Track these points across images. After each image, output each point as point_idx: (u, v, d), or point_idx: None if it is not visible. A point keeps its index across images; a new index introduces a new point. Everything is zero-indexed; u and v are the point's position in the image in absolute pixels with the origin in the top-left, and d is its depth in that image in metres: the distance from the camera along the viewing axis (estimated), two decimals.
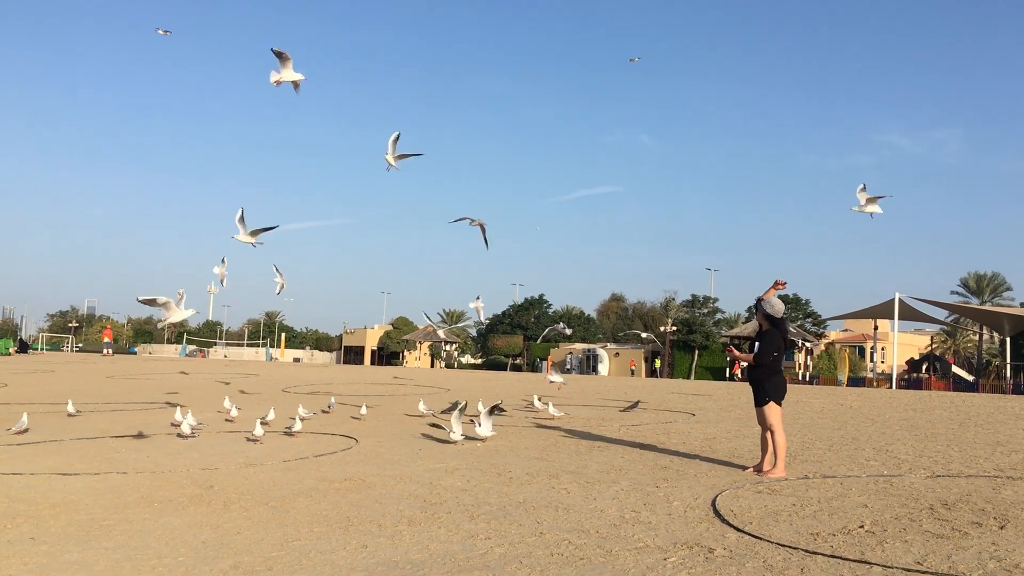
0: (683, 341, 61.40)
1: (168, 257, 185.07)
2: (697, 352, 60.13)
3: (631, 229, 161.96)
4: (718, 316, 67.79)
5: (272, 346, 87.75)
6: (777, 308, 8.55)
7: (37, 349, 69.68)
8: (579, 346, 69.22)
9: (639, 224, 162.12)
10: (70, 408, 13.40)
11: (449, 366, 71.67)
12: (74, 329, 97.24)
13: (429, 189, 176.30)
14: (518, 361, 72.82)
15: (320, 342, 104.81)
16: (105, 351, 62.83)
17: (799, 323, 61.93)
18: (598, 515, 6.31)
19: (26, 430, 10.81)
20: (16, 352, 52.30)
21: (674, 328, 62.64)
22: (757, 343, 8.56)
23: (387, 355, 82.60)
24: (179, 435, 11.08)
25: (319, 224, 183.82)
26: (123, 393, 19.04)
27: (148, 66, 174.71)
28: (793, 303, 63.67)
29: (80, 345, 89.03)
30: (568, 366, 65.18)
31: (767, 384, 8.36)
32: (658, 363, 62.06)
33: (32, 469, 8.38)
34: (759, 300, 8.72)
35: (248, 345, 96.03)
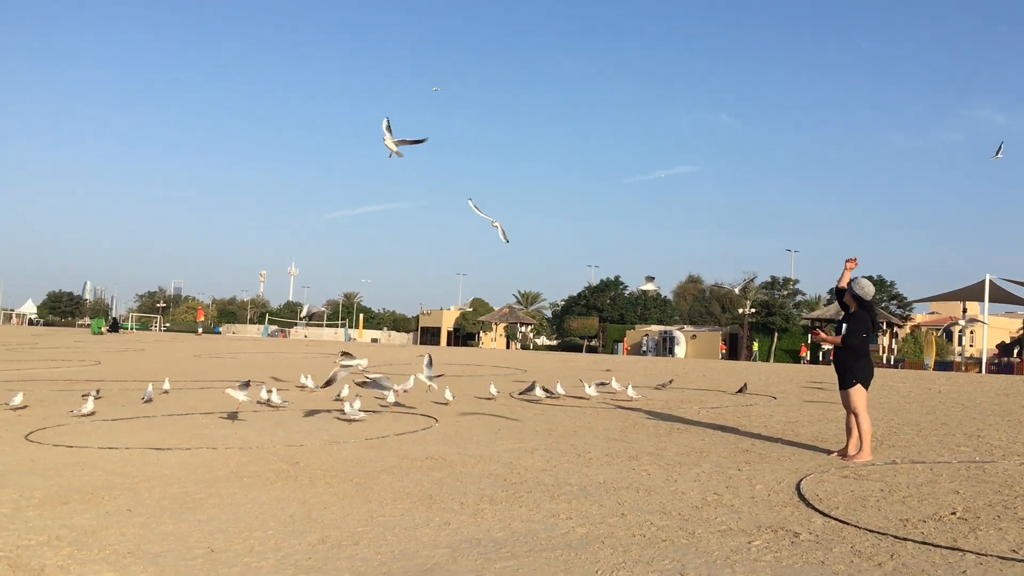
0: (762, 324, 60.39)
1: (249, 239, 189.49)
2: (777, 335, 59.09)
3: (709, 209, 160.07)
4: (798, 298, 66.43)
5: (351, 327, 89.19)
6: (867, 290, 8.35)
7: (127, 329, 72.12)
8: (655, 328, 68.64)
9: (717, 204, 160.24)
10: (165, 385, 13.86)
11: (524, 348, 71.87)
12: (162, 309, 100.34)
13: (505, 170, 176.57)
14: (594, 343, 72.63)
15: (397, 323, 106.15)
16: (199, 331, 64.82)
17: (883, 305, 60.34)
18: (680, 497, 6.27)
19: (93, 412, 11.31)
20: (108, 331, 54.22)
21: (753, 310, 61.64)
22: (844, 324, 8.36)
23: (463, 336, 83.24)
24: (269, 404, 11.89)
25: (396, 206, 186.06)
26: (210, 372, 19.61)
27: (235, 57, 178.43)
28: (877, 285, 62.03)
29: (167, 324, 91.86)
30: (644, 348, 64.75)
31: (854, 367, 8.17)
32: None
33: (127, 444, 8.70)
34: (838, 289, 8.54)
35: (327, 326, 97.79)
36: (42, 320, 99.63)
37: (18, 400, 11.46)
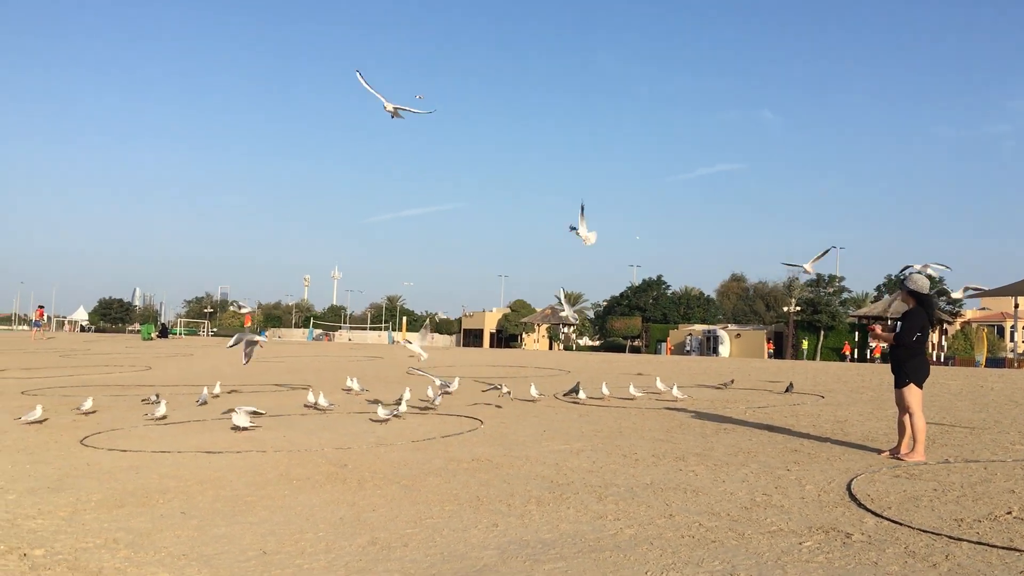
0: (807, 322, 59.65)
1: (293, 244, 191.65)
2: (822, 333, 58.33)
3: (752, 207, 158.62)
4: (845, 295, 65.48)
5: (394, 329, 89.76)
6: (922, 285, 8.24)
7: (176, 334, 73.32)
8: (699, 327, 68.12)
9: (760, 202, 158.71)
10: (216, 389, 14.07)
11: (567, 348, 71.77)
12: (209, 315, 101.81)
13: (545, 171, 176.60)
14: (637, 343, 72.28)
15: (440, 325, 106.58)
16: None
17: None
18: (728, 498, 6.22)
19: (164, 415, 11.53)
20: (158, 337, 55.15)
21: (798, 308, 60.91)
22: (899, 322, 8.24)
23: (505, 338, 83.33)
24: (316, 407, 12.06)
25: (438, 209, 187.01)
26: (257, 375, 19.84)
27: (276, 61, 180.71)
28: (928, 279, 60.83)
29: (215, 330, 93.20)
30: (688, 348, 64.29)
31: (908, 365, 8.05)
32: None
33: (179, 447, 8.85)
34: (902, 280, 8.44)
35: (371, 329, 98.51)
36: (93, 327, 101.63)
37: (88, 405, 11.72)
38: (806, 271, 11.11)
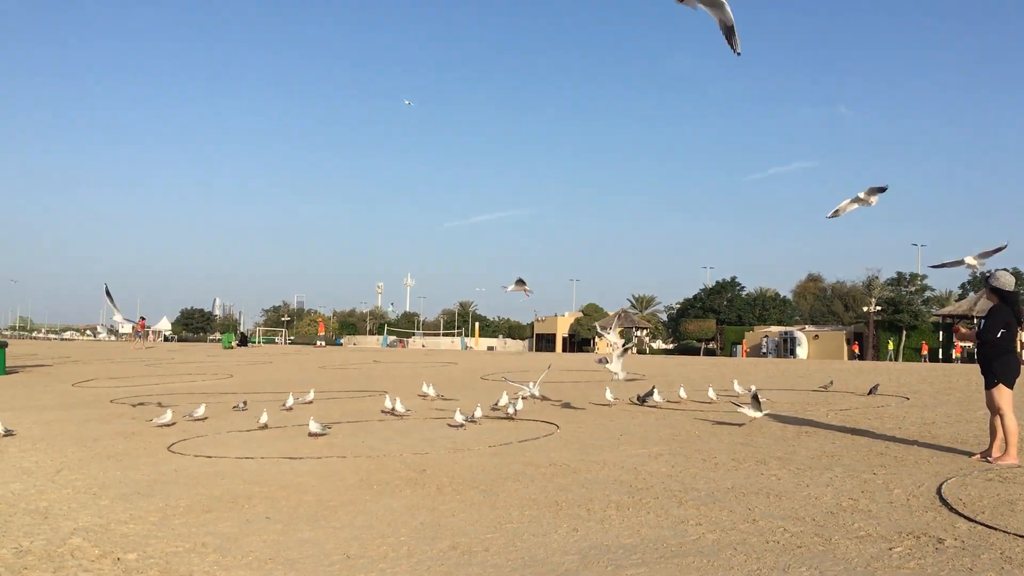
0: (888, 321, 58.13)
1: (366, 252, 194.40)
2: (904, 332, 56.77)
3: (829, 205, 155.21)
4: (927, 294, 63.66)
5: (467, 335, 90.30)
6: (1006, 282, 7.96)
7: (255, 343, 74.94)
8: (775, 329, 66.92)
9: (837, 199, 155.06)
10: (309, 396, 14.30)
11: (640, 352, 71.28)
12: (286, 323, 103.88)
13: (616, 174, 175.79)
14: (711, 345, 71.38)
15: (512, 330, 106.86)
16: (318, 343, 67.06)
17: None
18: (813, 502, 6.09)
19: (205, 418, 11.82)
20: (237, 346, 56.44)
21: (878, 308, 59.41)
22: (983, 320, 7.98)
23: (578, 342, 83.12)
24: (394, 413, 12.18)
25: (509, 215, 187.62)
26: (334, 382, 20.16)
27: (351, 74, 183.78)
28: (1015, 276, 58.81)
29: (292, 338, 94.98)
30: (764, 350, 63.20)
31: (996, 365, 7.78)
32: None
33: (262, 453, 9.03)
34: (987, 278, 8.16)
35: (444, 335, 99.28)
36: (176, 336, 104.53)
37: (200, 412, 12.05)
38: (970, 265, 10.50)
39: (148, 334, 64.66)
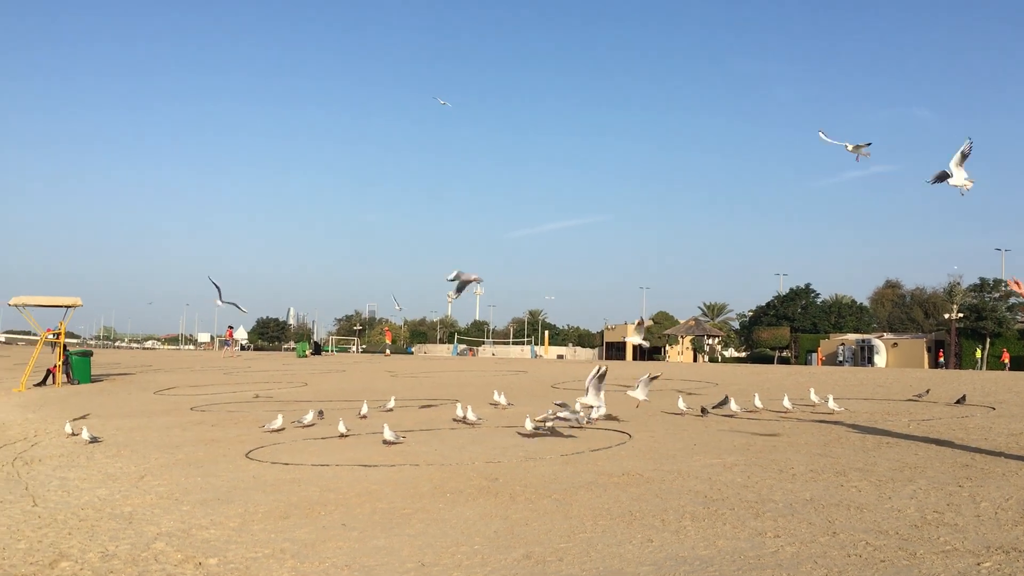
0: (971, 329, 56.30)
1: (436, 261, 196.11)
2: (989, 340, 54.92)
3: (907, 210, 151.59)
4: (1012, 300, 61.43)
5: (536, 344, 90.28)
6: None
7: (328, 351, 76.09)
8: (852, 337, 65.36)
9: (917, 204, 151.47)
10: (390, 404, 14.48)
11: (712, 360, 70.34)
12: (358, 332, 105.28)
13: (686, 179, 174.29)
14: (785, 354, 70.07)
15: (582, 338, 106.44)
16: (385, 351, 67.87)
17: None
18: (895, 515, 5.92)
19: (312, 424, 11.96)
20: (311, 354, 57.36)
21: (960, 315, 57.57)
22: None
23: (648, 350, 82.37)
24: (465, 421, 12.28)
25: (579, 223, 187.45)
26: (406, 390, 20.34)
27: (418, 86, 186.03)
28: None
29: (364, 346, 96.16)
30: (840, 358, 61.79)
31: None
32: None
33: (337, 461, 9.16)
34: None
35: (514, 343, 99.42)
36: (252, 345, 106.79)
37: (309, 418, 12.29)
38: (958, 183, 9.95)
39: (235, 343, 66.36)
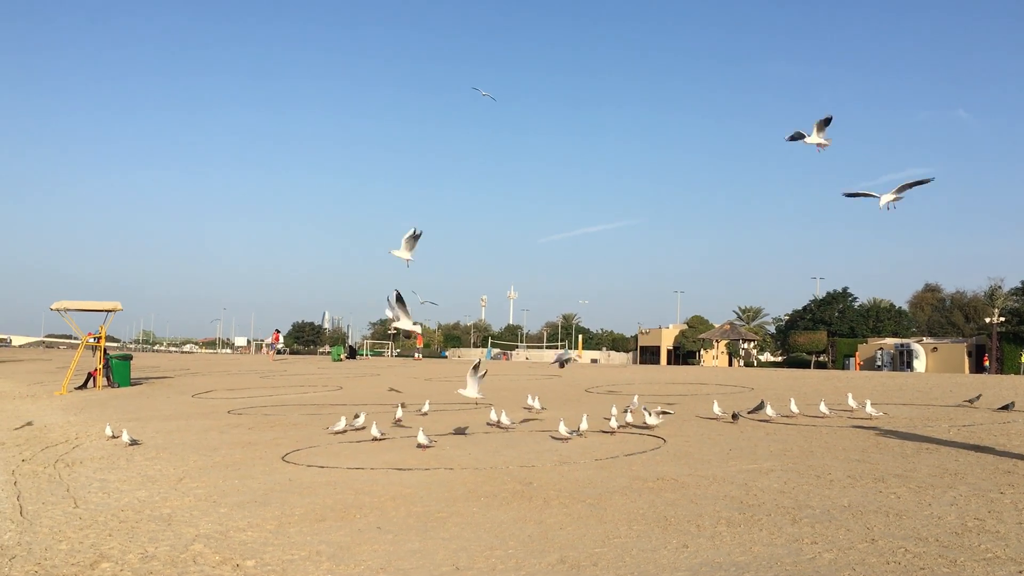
0: (1013, 333, 55.33)
1: (470, 265, 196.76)
2: None
3: (948, 213, 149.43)
4: None
5: (570, 348, 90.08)
6: None
7: (363, 355, 76.52)
8: (890, 341, 64.51)
9: (957, 207, 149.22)
10: (425, 408, 14.53)
11: (748, 365, 69.76)
12: (392, 336, 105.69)
13: (721, 183, 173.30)
14: (822, 358, 69.31)
15: (616, 343, 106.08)
16: (416, 355, 68.23)
17: None
18: (935, 522, 5.83)
19: (344, 431, 11.97)
20: (346, 358, 57.70)
21: (1001, 319, 56.59)
22: None
23: (683, 354, 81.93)
24: (499, 425, 12.25)
25: (612, 226, 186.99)
26: (440, 394, 20.40)
27: (455, 88, 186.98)
28: None
29: (398, 351, 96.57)
30: (879, 363, 60.99)
31: None
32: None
33: (372, 464, 9.21)
34: None
35: (547, 347, 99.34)
36: (288, 349, 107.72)
37: (360, 421, 12.31)
38: (887, 201, 10.04)
39: (281, 346, 67.17)
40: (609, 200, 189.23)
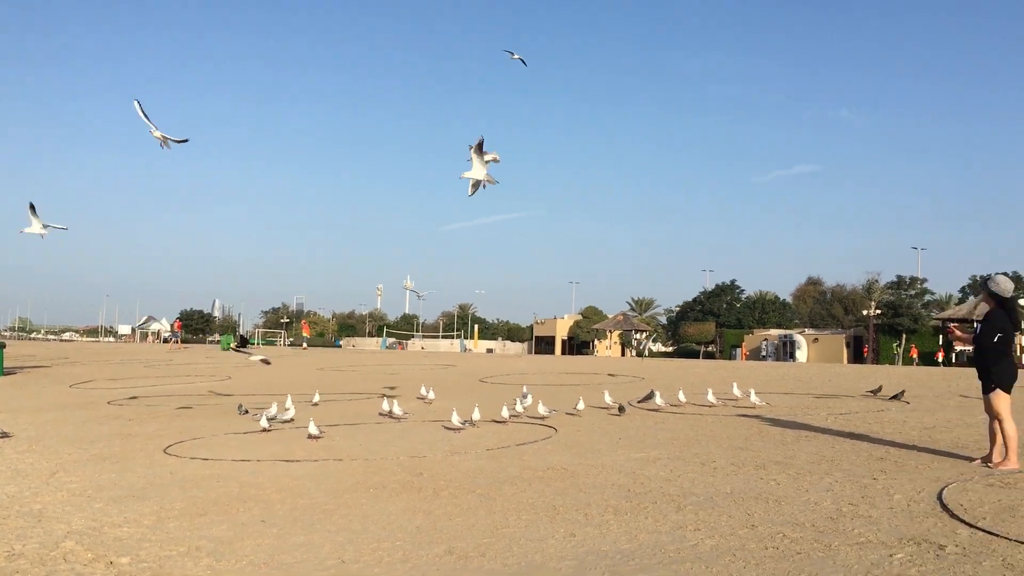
0: (888, 325, 58.10)
1: (366, 253, 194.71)
2: (904, 336, 56.73)
3: (830, 209, 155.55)
4: (927, 298, 63.63)
5: (466, 337, 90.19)
6: (1004, 287, 7.93)
7: (254, 344, 74.84)
8: (774, 332, 66.88)
9: (838, 204, 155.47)
10: (316, 398, 14.28)
11: (640, 355, 71.20)
12: (286, 325, 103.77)
13: (617, 175, 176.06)
14: (710, 348, 71.33)
15: (512, 333, 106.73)
16: (303, 345, 67.41)
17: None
18: (812, 508, 6.04)
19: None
20: (237, 348, 56.34)
21: (878, 312, 59.37)
22: (979, 324, 7.95)
23: (577, 344, 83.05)
24: (391, 416, 12.16)
25: (511, 217, 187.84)
26: (334, 384, 20.10)
27: (348, 73, 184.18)
28: (1014, 281, 58.73)
29: (291, 340, 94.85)
30: (764, 353, 63.16)
31: (994, 370, 7.73)
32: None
33: (258, 456, 8.98)
34: (984, 282, 8.14)
35: (443, 337, 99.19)
36: (172, 336, 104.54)
37: (289, 415, 11.83)
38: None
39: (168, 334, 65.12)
40: (509, 190, 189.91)
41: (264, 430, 10.78)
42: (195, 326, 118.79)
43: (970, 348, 8.49)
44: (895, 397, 14.40)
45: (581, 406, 12.67)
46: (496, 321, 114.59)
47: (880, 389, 15.76)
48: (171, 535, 5.77)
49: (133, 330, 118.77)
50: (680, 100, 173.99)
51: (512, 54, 16.38)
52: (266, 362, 11.70)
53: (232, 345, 55.45)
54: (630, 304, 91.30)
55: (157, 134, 11.74)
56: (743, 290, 78.56)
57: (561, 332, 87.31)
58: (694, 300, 78.40)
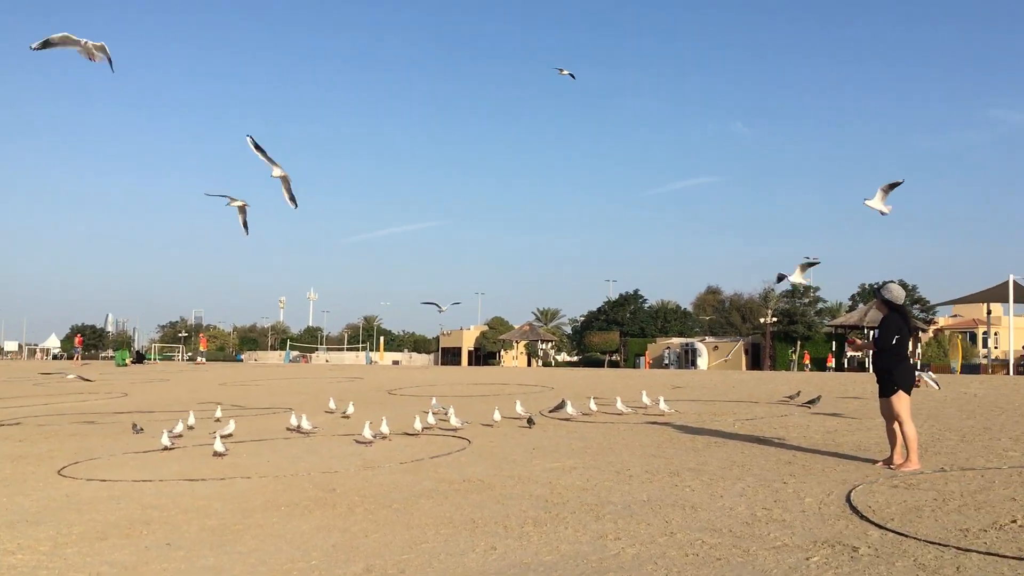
0: (784, 332, 59.95)
1: (268, 265, 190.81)
2: (799, 343, 58.62)
3: (727, 220, 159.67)
4: (820, 305, 65.94)
5: (371, 350, 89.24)
6: (896, 295, 8.31)
7: (151, 359, 72.44)
8: (676, 340, 68.28)
9: (735, 215, 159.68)
10: (217, 413, 13.84)
11: (546, 364, 71.65)
12: (184, 339, 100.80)
13: (520, 188, 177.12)
14: (615, 357, 72.32)
15: (418, 344, 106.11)
16: (199, 359, 65.65)
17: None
18: (728, 513, 6.11)
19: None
20: (132, 363, 54.39)
21: (774, 319, 61.20)
22: (876, 330, 8.28)
23: (484, 355, 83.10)
24: (300, 430, 11.90)
25: (416, 227, 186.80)
26: (236, 399, 19.55)
27: (247, 80, 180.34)
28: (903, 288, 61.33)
29: (190, 354, 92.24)
30: (666, 361, 64.38)
31: (895, 372, 8.02)
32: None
33: (160, 476, 8.62)
34: (878, 290, 8.52)
35: (348, 349, 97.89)
36: (65, 354, 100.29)
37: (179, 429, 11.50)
38: (794, 283, 10.90)
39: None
40: (413, 201, 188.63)
41: (165, 448, 10.38)
42: (88, 342, 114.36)
43: (860, 354, 8.81)
44: (810, 403, 14.77)
45: (497, 417, 12.63)
46: (402, 333, 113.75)
47: (799, 394, 16.14)
48: (69, 561, 5.45)
49: (20, 347, 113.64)
50: (585, 113, 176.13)
51: (561, 70, 17.05)
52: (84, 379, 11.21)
53: (127, 360, 53.61)
54: (535, 314, 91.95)
55: (278, 173, 10.67)
56: (646, 299, 80.00)
57: (467, 343, 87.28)
58: (598, 310, 79.39)
